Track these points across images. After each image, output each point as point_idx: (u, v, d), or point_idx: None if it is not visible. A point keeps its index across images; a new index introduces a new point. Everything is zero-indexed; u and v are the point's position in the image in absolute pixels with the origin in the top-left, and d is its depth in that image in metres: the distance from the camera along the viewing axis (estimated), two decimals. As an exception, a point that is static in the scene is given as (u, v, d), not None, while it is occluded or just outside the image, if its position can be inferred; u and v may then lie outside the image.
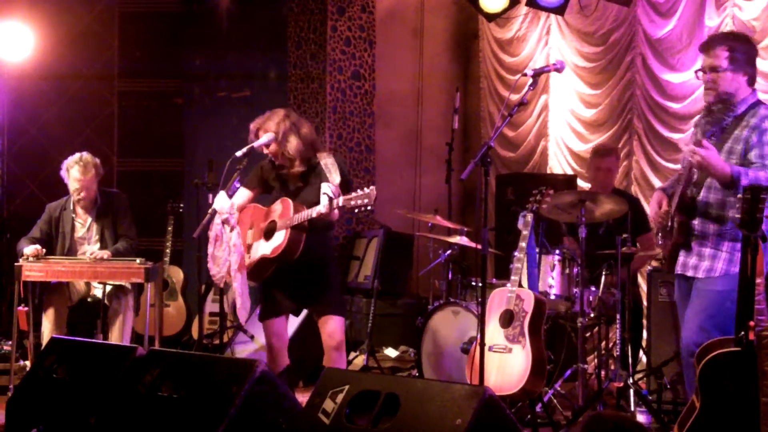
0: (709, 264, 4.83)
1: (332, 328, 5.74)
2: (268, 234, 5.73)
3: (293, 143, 5.73)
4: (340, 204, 5.34)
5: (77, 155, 7.20)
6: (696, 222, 4.89)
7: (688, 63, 7.94)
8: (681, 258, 4.95)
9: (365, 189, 5.28)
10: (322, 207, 5.39)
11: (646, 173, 8.40)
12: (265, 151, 5.79)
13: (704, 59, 4.97)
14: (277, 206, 5.74)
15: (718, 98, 4.93)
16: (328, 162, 5.67)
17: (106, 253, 6.98)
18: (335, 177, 5.56)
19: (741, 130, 4.84)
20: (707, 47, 4.99)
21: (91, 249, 7.13)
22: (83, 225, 7.26)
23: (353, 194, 5.27)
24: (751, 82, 4.93)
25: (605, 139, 8.66)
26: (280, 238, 5.64)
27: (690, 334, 4.78)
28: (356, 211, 5.29)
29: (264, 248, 5.73)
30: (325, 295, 5.74)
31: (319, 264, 5.72)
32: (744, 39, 5.06)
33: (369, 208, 5.26)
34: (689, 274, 4.89)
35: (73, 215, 7.25)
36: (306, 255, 5.63)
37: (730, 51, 4.87)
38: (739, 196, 4.31)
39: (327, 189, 5.44)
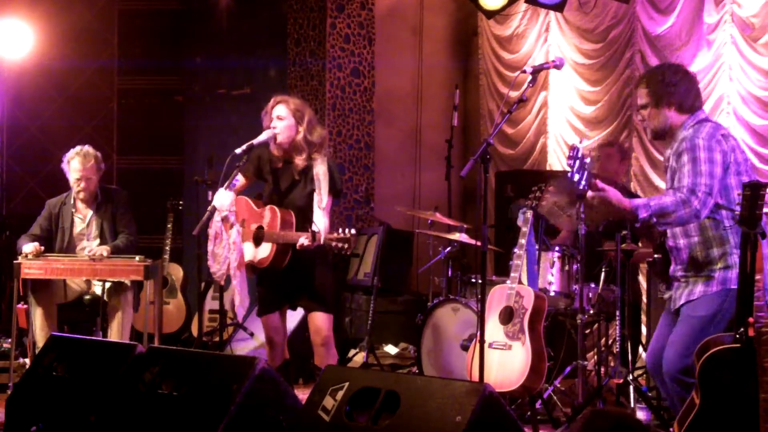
0: (690, 288, 4.82)
1: (318, 324, 5.81)
2: (257, 240, 5.82)
3: (318, 132, 5.88)
4: (321, 242, 5.49)
5: (78, 147, 7.23)
6: (673, 257, 4.89)
7: (687, 60, 7.94)
8: (673, 293, 4.94)
9: (347, 232, 5.46)
10: (304, 240, 5.53)
11: (646, 170, 8.40)
12: (278, 135, 5.82)
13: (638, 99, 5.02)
14: (267, 213, 5.82)
15: (653, 134, 4.95)
16: (320, 171, 5.75)
17: (105, 250, 6.97)
18: (324, 193, 5.74)
19: (671, 158, 4.84)
20: (636, 86, 5.04)
21: (90, 245, 7.13)
22: (83, 220, 7.26)
23: (335, 234, 5.47)
24: (683, 109, 4.85)
25: (605, 136, 8.67)
26: (266, 250, 5.79)
27: (673, 359, 4.72)
28: (333, 244, 5.49)
29: (252, 254, 5.83)
30: (312, 291, 5.80)
31: (309, 262, 5.77)
32: (662, 71, 4.98)
33: (347, 253, 5.51)
34: (677, 306, 4.88)
35: (73, 210, 7.25)
36: (296, 254, 5.69)
37: (648, 87, 4.89)
38: (738, 193, 4.31)
39: (315, 226, 5.60)
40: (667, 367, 4.74)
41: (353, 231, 5.47)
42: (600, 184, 4.71)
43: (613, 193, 4.72)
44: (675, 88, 4.87)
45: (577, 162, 4.62)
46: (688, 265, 4.82)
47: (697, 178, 4.63)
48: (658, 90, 4.87)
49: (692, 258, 4.80)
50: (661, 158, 8.12)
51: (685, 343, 4.69)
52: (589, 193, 4.71)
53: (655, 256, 4.99)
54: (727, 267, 4.73)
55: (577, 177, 4.61)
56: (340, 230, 5.47)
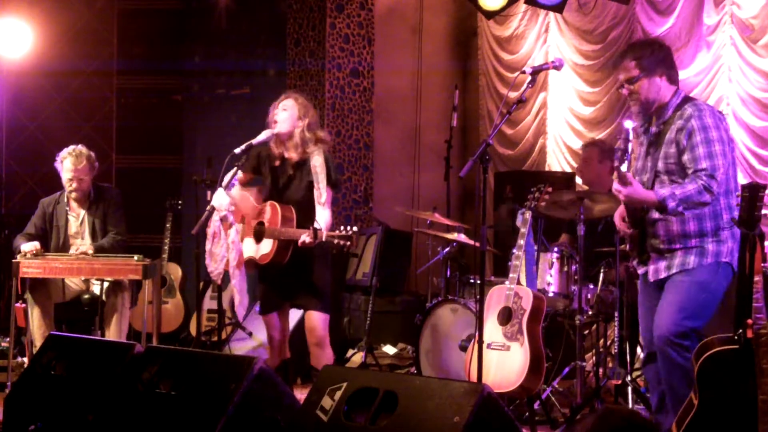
0: (682, 260, 4.87)
1: (312, 324, 5.81)
2: (258, 236, 5.82)
3: (318, 134, 5.92)
4: (323, 239, 5.48)
5: (71, 147, 7.22)
6: (658, 229, 4.91)
7: (686, 61, 7.95)
8: (651, 266, 4.97)
9: (349, 229, 5.48)
10: (306, 237, 5.54)
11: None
12: (279, 124, 5.83)
13: (619, 76, 5.02)
14: (267, 209, 5.83)
15: (644, 105, 4.97)
16: (317, 163, 5.76)
17: (90, 249, 6.98)
18: (323, 187, 5.74)
19: (671, 133, 4.86)
20: (617, 64, 5.07)
21: (84, 243, 7.12)
22: (77, 219, 7.26)
23: (337, 232, 5.48)
24: (672, 80, 4.96)
25: (604, 137, 8.66)
26: (267, 246, 5.78)
27: (667, 323, 4.77)
28: (335, 242, 5.48)
29: (253, 250, 5.83)
30: (309, 290, 5.80)
31: (307, 261, 5.77)
32: (649, 44, 5.13)
33: (348, 250, 5.59)
34: (663, 275, 4.92)
35: (67, 209, 7.25)
36: (295, 252, 5.69)
37: (637, 59, 4.93)
38: (738, 194, 4.32)
39: (316, 223, 5.56)
40: (661, 331, 4.77)
41: (355, 228, 5.47)
42: (630, 178, 4.79)
43: (639, 188, 4.81)
44: (664, 59, 4.97)
45: (628, 144, 4.78)
46: (677, 236, 4.87)
47: (714, 161, 4.74)
48: (650, 61, 4.93)
49: (683, 230, 4.86)
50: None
51: (680, 306, 4.76)
52: (615, 186, 4.82)
53: (635, 230, 5.00)
54: (719, 241, 4.84)
55: (626, 164, 4.79)
56: (342, 227, 5.48)
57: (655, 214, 4.88)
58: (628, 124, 4.94)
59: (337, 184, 5.94)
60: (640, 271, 5.08)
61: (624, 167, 4.80)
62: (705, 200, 4.72)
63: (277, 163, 5.94)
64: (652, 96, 4.94)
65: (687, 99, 4.97)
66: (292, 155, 5.87)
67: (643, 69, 4.91)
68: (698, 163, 4.76)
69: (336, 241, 5.45)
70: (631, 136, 4.91)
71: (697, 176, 4.74)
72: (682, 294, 4.81)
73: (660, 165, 4.89)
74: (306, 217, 5.74)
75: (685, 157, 4.81)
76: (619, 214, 5.06)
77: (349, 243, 5.45)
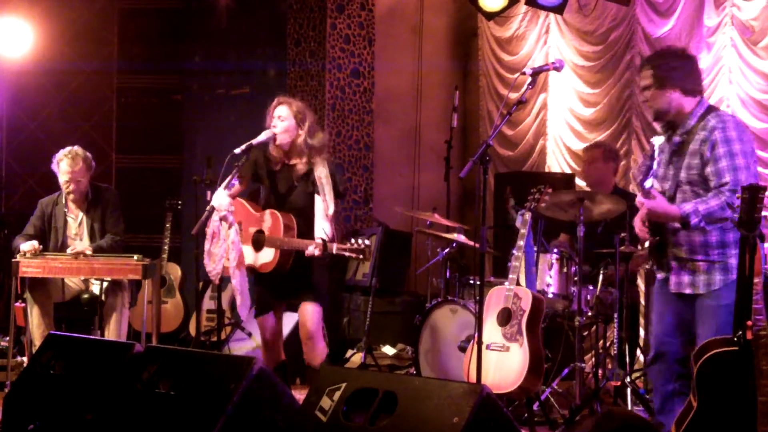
0: (706, 277, 4.84)
1: (305, 316, 5.78)
2: (257, 244, 5.77)
3: (318, 136, 5.86)
4: (334, 251, 5.41)
5: (67, 148, 7.20)
6: (680, 237, 4.90)
7: (686, 62, 7.93)
8: (673, 278, 4.95)
9: (362, 242, 5.41)
10: (315, 250, 5.47)
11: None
12: (278, 136, 5.80)
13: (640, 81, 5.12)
14: (267, 218, 5.78)
15: (656, 115, 5.01)
16: (322, 175, 5.71)
17: (88, 249, 6.97)
18: (330, 200, 5.68)
19: (695, 144, 4.86)
20: (639, 70, 5.16)
21: (82, 244, 7.12)
22: (75, 220, 7.25)
23: (348, 245, 5.41)
24: (689, 92, 4.93)
25: (604, 138, 8.66)
26: (269, 255, 5.72)
27: None
28: (347, 254, 5.45)
29: (253, 258, 5.78)
30: (304, 288, 5.76)
31: (306, 267, 5.73)
32: (669, 55, 5.12)
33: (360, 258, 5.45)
34: (687, 291, 4.88)
35: (66, 210, 7.24)
36: (295, 260, 5.67)
37: (654, 69, 4.97)
38: (738, 195, 4.32)
39: (322, 231, 5.50)
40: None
41: (367, 242, 5.43)
42: (654, 192, 4.81)
43: (662, 202, 4.81)
44: (677, 71, 4.96)
45: (654, 161, 4.86)
46: (699, 246, 4.85)
47: (737, 175, 4.73)
48: (661, 72, 4.94)
49: (705, 240, 4.84)
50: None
51: (716, 334, 4.69)
52: (638, 198, 4.84)
53: (655, 238, 4.99)
54: None
55: (650, 180, 4.83)
56: (353, 240, 5.44)
57: (676, 223, 4.87)
58: (655, 140, 4.96)
59: (341, 194, 5.90)
60: (659, 276, 5.05)
61: (648, 183, 4.80)
62: (727, 216, 4.70)
63: (278, 167, 5.90)
64: (664, 107, 4.94)
65: (711, 109, 4.96)
66: (296, 163, 5.82)
67: (658, 80, 4.93)
68: (721, 178, 4.75)
69: (347, 254, 5.43)
70: (657, 154, 4.91)
71: (720, 192, 4.72)
72: (713, 322, 4.77)
73: (682, 175, 4.88)
74: (305, 226, 5.71)
75: (708, 170, 4.80)
76: (639, 217, 5.03)
77: (362, 257, 5.42)
